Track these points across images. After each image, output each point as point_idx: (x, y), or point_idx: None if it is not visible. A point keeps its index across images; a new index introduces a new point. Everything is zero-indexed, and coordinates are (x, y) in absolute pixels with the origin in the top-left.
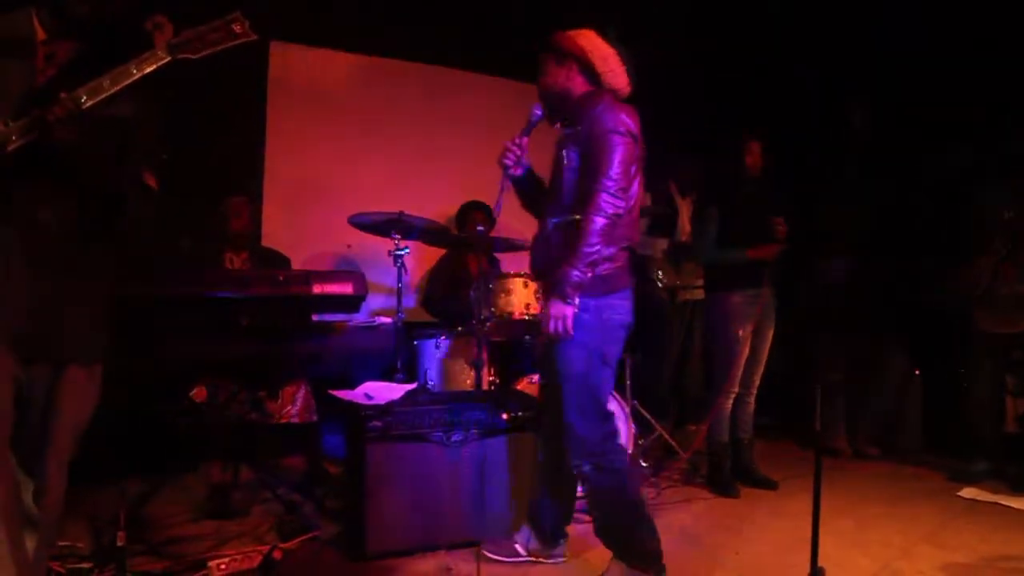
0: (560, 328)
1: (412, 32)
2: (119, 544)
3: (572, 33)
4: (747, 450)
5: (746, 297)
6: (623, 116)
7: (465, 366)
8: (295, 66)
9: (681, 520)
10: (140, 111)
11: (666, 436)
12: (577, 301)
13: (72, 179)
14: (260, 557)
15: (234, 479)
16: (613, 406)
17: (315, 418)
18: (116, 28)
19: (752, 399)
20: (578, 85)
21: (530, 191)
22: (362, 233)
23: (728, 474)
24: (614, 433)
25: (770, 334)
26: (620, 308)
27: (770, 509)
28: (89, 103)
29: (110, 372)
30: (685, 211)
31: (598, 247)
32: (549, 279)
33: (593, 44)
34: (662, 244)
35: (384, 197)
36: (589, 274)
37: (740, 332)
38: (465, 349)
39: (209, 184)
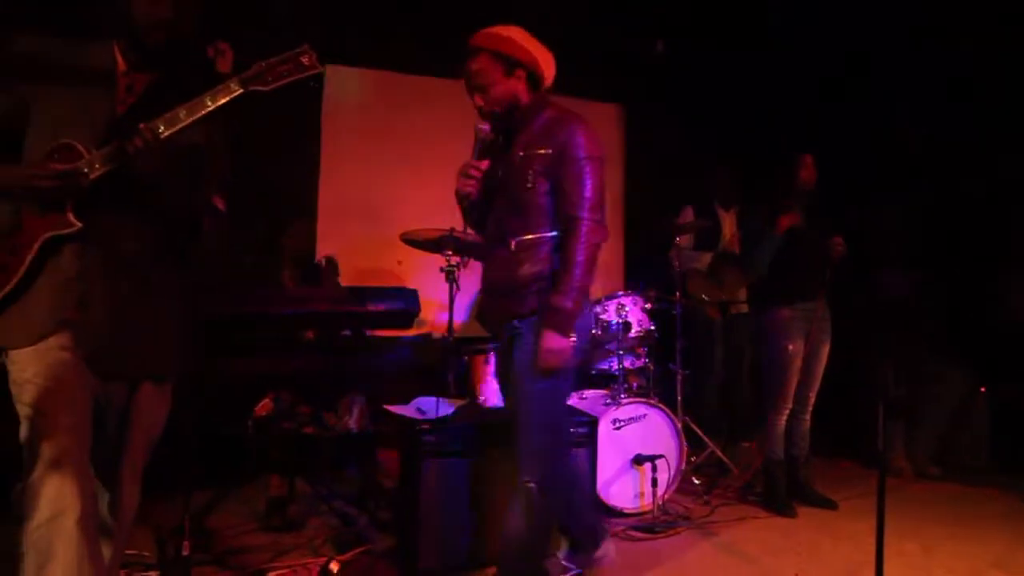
0: (559, 363)
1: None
2: (184, 554)
3: (508, 34)
4: (803, 468)
5: (797, 311)
6: (596, 138)
7: None
8: (348, 88)
9: (737, 539)
10: (211, 138)
11: (719, 453)
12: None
13: (150, 204)
14: (317, 569)
15: (291, 492)
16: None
17: (371, 428)
18: (188, 58)
19: (807, 416)
20: (524, 94)
21: (480, 213)
22: (412, 249)
23: (784, 493)
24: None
25: (825, 350)
26: (584, 327)
27: (830, 530)
28: (167, 133)
29: (173, 385)
30: (728, 224)
31: (588, 277)
32: (513, 299)
33: (534, 46)
34: (706, 258)
35: (434, 214)
36: (579, 304)
37: (790, 347)
38: None
39: (268, 204)
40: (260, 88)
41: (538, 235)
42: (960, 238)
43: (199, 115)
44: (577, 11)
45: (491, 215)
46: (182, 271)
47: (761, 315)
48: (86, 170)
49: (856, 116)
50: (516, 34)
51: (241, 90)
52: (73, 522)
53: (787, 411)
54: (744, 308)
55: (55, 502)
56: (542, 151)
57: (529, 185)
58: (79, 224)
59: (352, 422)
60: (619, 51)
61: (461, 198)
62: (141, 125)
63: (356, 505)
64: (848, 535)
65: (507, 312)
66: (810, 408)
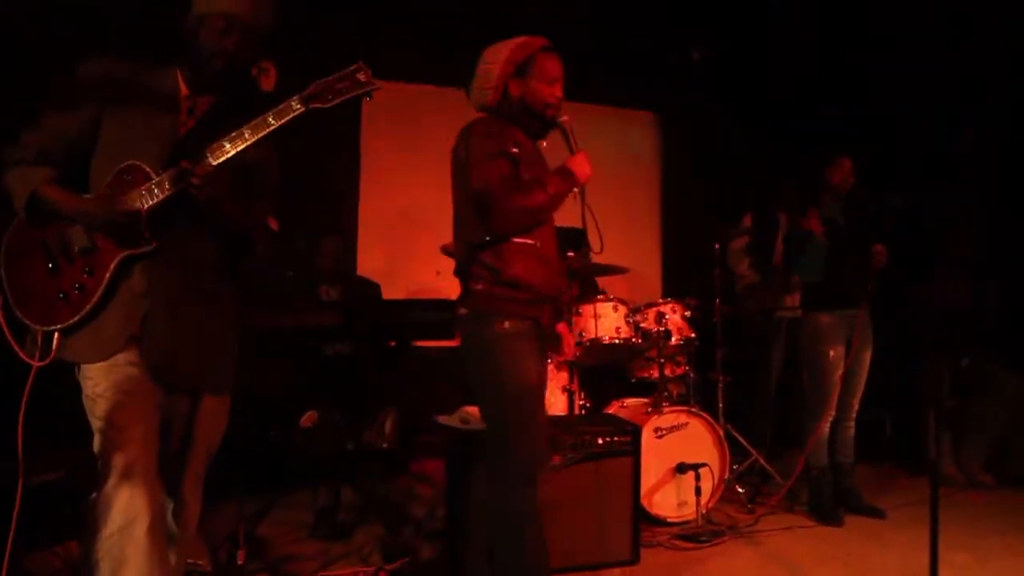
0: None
1: None
2: (239, 563)
3: None
4: (849, 475)
5: (838, 317)
6: None
7: (557, 391)
8: (385, 101)
9: (783, 549)
10: (265, 157)
11: (762, 461)
12: None
13: (211, 221)
14: None
15: (338, 501)
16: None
17: (401, 444)
18: (245, 82)
19: (852, 423)
20: None
21: None
22: (451, 260)
23: (830, 500)
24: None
25: (867, 357)
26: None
27: (878, 540)
28: (232, 151)
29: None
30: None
31: None
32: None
33: None
34: (744, 263)
35: None
36: None
37: (832, 353)
38: (556, 374)
39: (311, 218)
40: (321, 106)
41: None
42: (1016, 240)
43: (263, 134)
44: (609, 19)
45: None
46: (237, 286)
47: (803, 320)
48: (140, 204)
49: (903, 115)
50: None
51: (303, 108)
52: (144, 530)
53: (830, 418)
54: (799, 313)
55: (127, 511)
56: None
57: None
58: (154, 244)
59: (384, 439)
60: (654, 59)
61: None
62: (207, 157)
63: (402, 515)
64: (897, 545)
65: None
66: (854, 415)
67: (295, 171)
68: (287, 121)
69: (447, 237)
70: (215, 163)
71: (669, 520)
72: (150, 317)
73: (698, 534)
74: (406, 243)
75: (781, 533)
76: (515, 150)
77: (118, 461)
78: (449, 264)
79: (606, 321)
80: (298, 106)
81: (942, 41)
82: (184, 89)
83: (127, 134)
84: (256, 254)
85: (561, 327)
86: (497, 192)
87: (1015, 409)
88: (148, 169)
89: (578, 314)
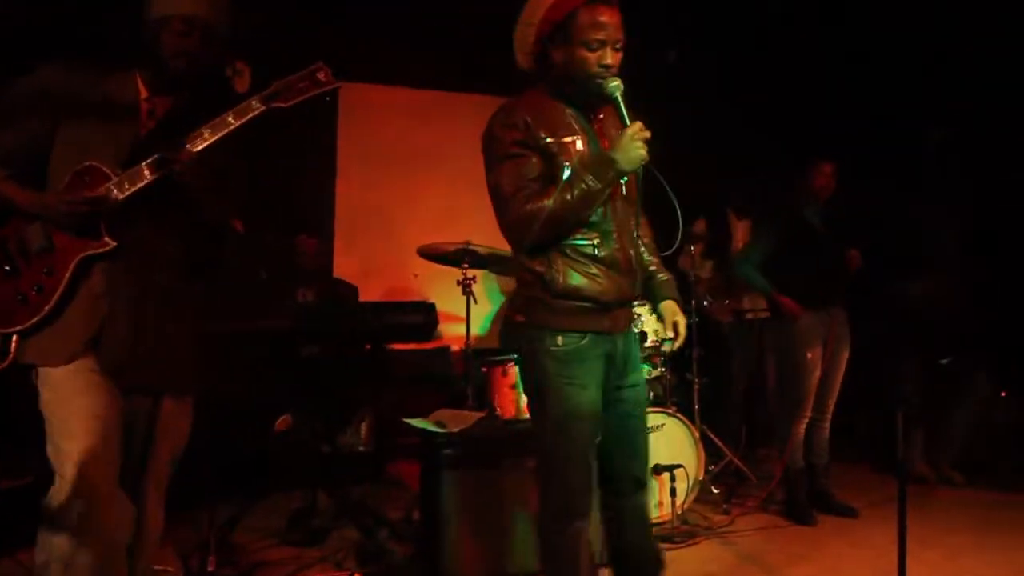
0: None
1: (469, 65)
2: (210, 569)
3: None
4: (823, 476)
5: (815, 318)
6: None
7: None
8: (362, 104)
9: (757, 549)
10: (229, 159)
11: (737, 462)
12: None
13: (173, 222)
14: None
15: (313, 506)
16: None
17: (378, 445)
18: (207, 81)
19: (827, 424)
20: None
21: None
22: (427, 262)
23: (804, 501)
24: None
25: (844, 357)
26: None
27: (850, 539)
28: (210, 140)
29: (197, 402)
30: (741, 233)
31: None
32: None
33: None
34: (708, 266)
35: (449, 227)
36: None
37: (809, 355)
38: None
39: (285, 220)
40: (281, 105)
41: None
42: (981, 240)
43: (222, 134)
44: None
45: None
46: (201, 287)
47: (780, 322)
48: (116, 192)
49: (871, 118)
50: None
51: (263, 108)
52: (97, 538)
53: (807, 419)
54: (763, 314)
55: (80, 518)
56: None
57: (640, 176)
58: (114, 243)
59: (360, 442)
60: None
61: (637, 167)
62: (186, 146)
63: (376, 518)
64: (870, 543)
65: (631, 318)
66: (829, 415)
67: (271, 173)
68: (247, 120)
69: (424, 239)
70: (196, 150)
71: None
72: (110, 318)
73: (673, 535)
74: (383, 245)
75: (756, 533)
76: (547, 139)
77: (69, 471)
78: (426, 266)
79: None
80: (258, 105)
81: (902, 36)
82: (143, 91)
83: (85, 137)
84: (224, 255)
85: (666, 306)
86: (504, 200)
87: (981, 407)
88: (107, 170)
89: None
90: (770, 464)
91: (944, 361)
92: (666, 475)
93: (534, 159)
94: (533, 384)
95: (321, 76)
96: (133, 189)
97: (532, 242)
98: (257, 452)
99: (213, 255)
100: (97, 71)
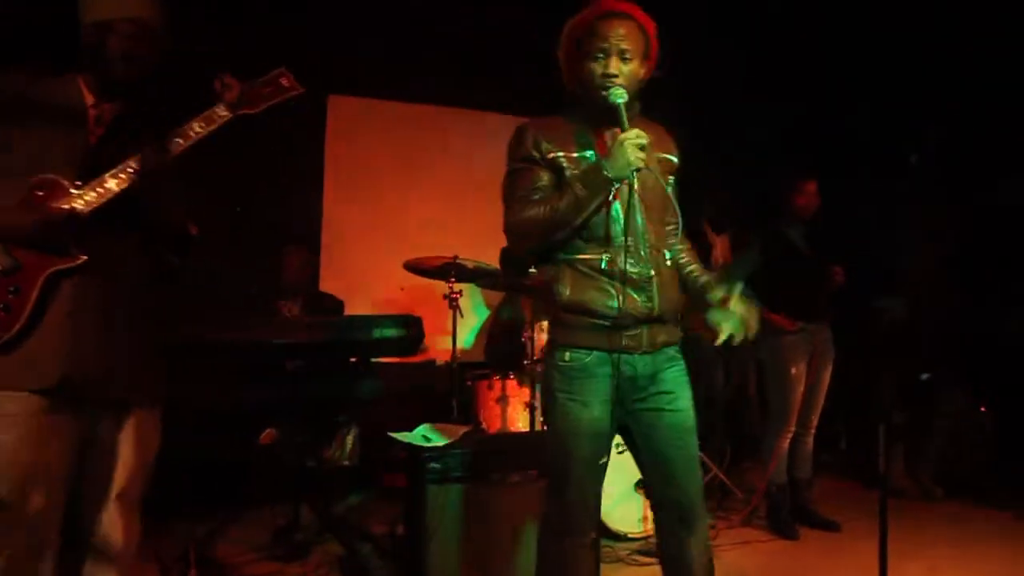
0: None
1: (458, 79)
2: None
3: (653, 24)
4: (806, 490)
5: (799, 335)
6: None
7: (519, 406)
8: (350, 117)
9: (739, 564)
10: (182, 164)
11: (722, 476)
12: None
13: (137, 230)
14: None
15: (296, 520)
16: None
17: (362, 459)
18: (154, 85)
19: (810, 438)
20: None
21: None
22: (414, 275)
23: (787, 515)
24: None
25: (828, 373)
26: None
27: (832, 552)
28: (185, 145)
29: (178, 414)
30: (720, 248)
31: None
32: (671, 324)
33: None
34: None
35: (437, 241)
36: None
37: (793, 370)
38: (519, 390)
39: (272, 233)
40: (249, 111)
41: (679, 248)
42: (958, 257)
43: (193, 142)
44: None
45: (608, 221)
46: (163, 294)
47: (764, 337)
48: (81, 204)
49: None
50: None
51: (230, 115)
52: None
53: (791, 434)
54: None
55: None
56: (669, 156)
57: (669, 190)
58: (84, 258)
59: (345, 456)
60: None
61: (628, 174)
62: (150, 149)
63: (360, 533)
64: (852, 557)
65: (664, 339)
66: (813, 429)
67: (258, 186)
68: (215, 128)
69: (411, 253)
70: (176, 152)
71: (630, 536)
72: (79, 333)
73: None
74: (369, 259)
75: (739, 548)
76: (555, 153)
77: (15, 500)
78: (413, 280)
79: None
80: (225, 112)
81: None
82: (89, 97)
83: (33, 149)
84: (184, 263)
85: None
86: (505, 209)
87: (961, 422)
88: (65, 182)
89: (541, 330)
90: (754, 478)
91: (924, 376)
92: (651, 489)
93: (540, 172)
94: (544, 397)
95: (284, 82)
96: (101, 201)
97: (528, 248)
98: (241, 465)
99: (176, 263)
100: (37, 78)
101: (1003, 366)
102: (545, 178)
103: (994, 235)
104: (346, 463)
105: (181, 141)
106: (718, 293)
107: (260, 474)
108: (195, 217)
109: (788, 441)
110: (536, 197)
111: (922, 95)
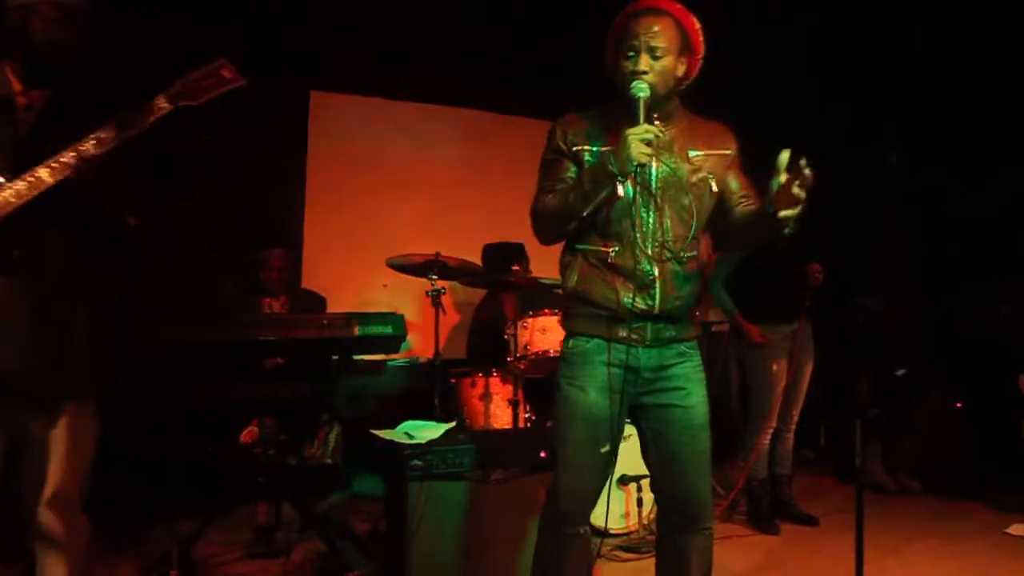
0: None
1: (444, 77)
2: None
3: (694, 19)
4: (786, 485)
5: (779, 333)
6: None
7: (502, 403)
8: (333, 114)
9: (720, 558)
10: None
11: None
12: None
13: (68, 225)
14: None
15: (277, 519)
16: None
17: (345, 456)
18: (84, 70)
19: (791, 434)
20: (676, 84)
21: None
22: (397, 273)
23: (767, 511)
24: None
25: (809, 369)
26: None
27: (811, 547)
28: (95, 153)
29: (158, 413)
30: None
31: None
32: (684, 322)
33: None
34: None
35: (420, 238)
36: None
37: (774, 366)
38: (502, 387)
39: (253, 230)
40: (190, 103)
41: (696, 251)
42: (936, 255)
43: (132, 134)
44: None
45: (623, 218)
46: (89, 287)
47: (745, 337)
48: (12, 197)
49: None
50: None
51: (171, 107)
52: None
53: (771, 430)
54: (725, 327)
55: None
56: (722, 151)
57: (715, 189)
58: (16, 253)
59: (327, 454)
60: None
61: (631, 168)
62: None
63: (342, 531)
64: (830, 551)
65: (672, 335)
66: (793, 426)
67: (240, 183)
68: (155, 120)
69: (394, 250)
70: (103, 151)
71: (611, 532)
72: (2, 330)
73: (640, 545)
74: (352, 256)
75: (719, 543)
76: (580, 147)
77: None
78: (396, 277)
79: (552, 334)
80: (165, 104)
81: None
82: (16, 84)
83: None
84: (129, 254)
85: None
86: (534, 199)
87: (937, 418)
88: None
89: (524, 327)
90: (734, 474)
91: (899, 372)
92: (632, 485)
93: (567, 164)
94: (554, 390)
95: (225, 73)
96: (33, 193)
97: (544, 235)
98: (222, 464)
99: (114, 255)
100: None
101: (979, 362)
102: (571, 170)
103: (971, 232)
104: (328, 461)
105: (117, 133)
106: (777, 181)
107: (242, 472)
108: (134, 207)
109: (769, 437)
110: (559, 188)
111: (898, 95)
